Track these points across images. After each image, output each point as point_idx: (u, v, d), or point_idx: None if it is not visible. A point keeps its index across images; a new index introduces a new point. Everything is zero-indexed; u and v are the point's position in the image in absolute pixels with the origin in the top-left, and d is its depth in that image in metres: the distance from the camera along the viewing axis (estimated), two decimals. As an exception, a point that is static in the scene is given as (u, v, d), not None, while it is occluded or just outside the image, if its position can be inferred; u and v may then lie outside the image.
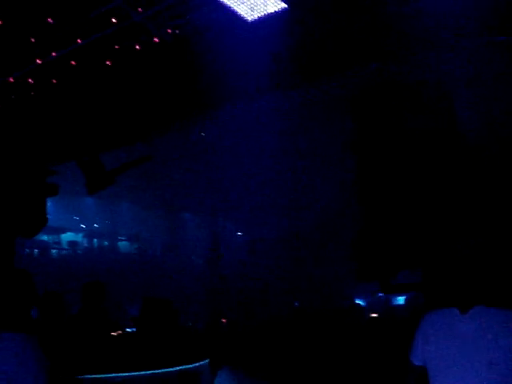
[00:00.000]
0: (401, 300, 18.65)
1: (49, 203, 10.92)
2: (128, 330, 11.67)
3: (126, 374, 5.88)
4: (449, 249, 3.46)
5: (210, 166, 21.44)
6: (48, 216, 10.65)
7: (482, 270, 3.28)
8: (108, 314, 6.84)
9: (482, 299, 3.27)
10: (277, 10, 6.58)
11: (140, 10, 7.10)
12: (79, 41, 7.67)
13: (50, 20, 7.34)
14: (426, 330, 3.47)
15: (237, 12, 6.62)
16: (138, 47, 7.76)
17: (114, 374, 5.80)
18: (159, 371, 6.11)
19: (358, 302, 21.56)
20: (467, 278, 3.29)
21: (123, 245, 32.95)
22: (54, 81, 8.56)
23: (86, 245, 32.01)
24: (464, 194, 7.49)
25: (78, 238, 31.63)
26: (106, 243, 32.92)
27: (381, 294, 18.49)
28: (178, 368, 6.35)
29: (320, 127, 17.87)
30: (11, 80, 8.58)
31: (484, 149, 7.38)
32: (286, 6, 6.51)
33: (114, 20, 7.24)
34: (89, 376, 5.53)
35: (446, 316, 3.38)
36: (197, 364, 6.75)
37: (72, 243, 30.22)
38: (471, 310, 3.26)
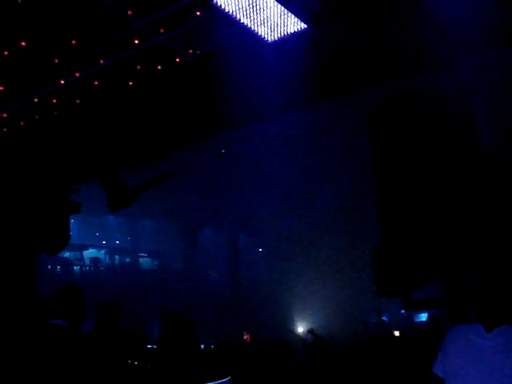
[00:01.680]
0: (423, 317, 18.54)
1: (72, 220, 11.05)
2: (149, 346, 11.70)
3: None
4: (475, 266, 3.48)
5: (230, 181, 21.51)
6: (71, 233, 10.77)
7: (508, 289, 3.30)
8: (128, 336, 6.88)
9: (507, 319, 3.29)
10: (297, 29, 6.63)
11: (162, 30, 7.20)
12: (102, 61, 7.79)
13: (73, 41, 7.48)
14: (449, 343, 3.51)
15: (257, 33, 6.68)
16: (159, 67, 7.85)
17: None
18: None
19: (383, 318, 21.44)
20: (498, 297, 3.30)
21: (144, 261, 33.09)
22: (78, 101, 8.70)
23: (107, 261, 32.19)
24: (487, 207, 7.44)
25: (100, 254, 31.82)
26: (127, 260, 33.08)
27: (403, 311, 18.36)
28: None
29: (337, 141, 17.87)
30: (36, 100, 8.73)
31: (504, 163, 7.35)
32: (305, 26, 6.56)
33: (136, 41, 7.35)
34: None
35: (470, 331, 3.41)
36: (219, 381, 6.75)
37: (94, 260, 30.39)
38: (496, 329, 3.28)
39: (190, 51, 7.54)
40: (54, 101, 8.78)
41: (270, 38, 6.71)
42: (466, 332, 3.47)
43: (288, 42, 6.70)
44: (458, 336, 3.51)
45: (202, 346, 14.98)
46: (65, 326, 4.55)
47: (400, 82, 7.68)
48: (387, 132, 8.66)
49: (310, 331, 11.67)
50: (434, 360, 3.63)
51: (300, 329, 20.13)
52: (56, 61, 7.92)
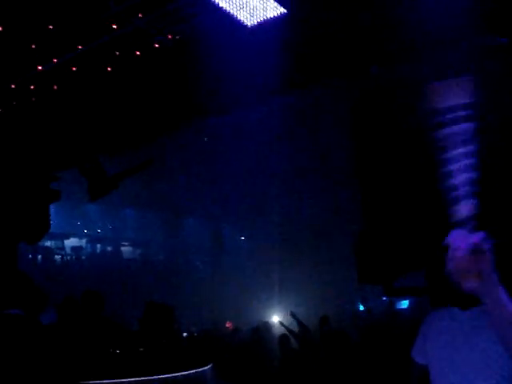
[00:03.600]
0: (404, 304, 18.67)
1: (52, 209, 10.95)
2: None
3: (131, 379, 5.86)
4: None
5: (212, 170, 21.43)
6: (51, 222, 10.68)
7: None
8: (110, 323, 6.85)
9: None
10: (276, 14, 6.58)
11: (140, 15, 7.11)
12: (79, 47, 7.69)
13: (50, 26, 7.36)
14: (427, 328, 3.56)
15: (236, 17, 6.63)
16: (138, 53, 7.77)
17: (118, 380, 5.79)
18: (164, 376, 6.09)
19: (361, 305, 21.58)
20: None
21: (126, 250, 32.93)
22: (55, 87, 8.58)
23: (89, 250, 32.00)
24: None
25: (82, 243, 31.63)
26: (109, 248, 32.91)
27: (384, 298, 18.48)
28: (182, 373, 6.33)
29: (320, 129, 17.86)
30: (13, 86, 8.60)
31: (486, 151, 7.38)
32: (285, 10, 6.51)
33: (114, 26, 7.26)
34: (92, 382, 5.52)
35: (446, 314, 3.46)
36: (201, 369, 6.73)
37: (75, 249, 30.20)
38: (471, 310, 3.31)
39: (169, 36, 7.45)
40: (32, 87, 8.66)
41: (249, 23, 6.66)
42: (443, 316, 3.51)
43: (267, 26, 6.65)
44: (436, 320, 3.55)
45: (185, 334, 14.95)
46: (21, 315, 4.44)
47: (381, 71, 7.67)
48: (369, 117, 8.67)
49: (292, 315, 11.67)
50: (413, 346, 3.66)
51: (276, 318, 20.16)
52: (33, 46, 7.79)
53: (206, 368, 6.95)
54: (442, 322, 3.46)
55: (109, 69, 8.04)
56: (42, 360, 4.35)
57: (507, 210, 6.93)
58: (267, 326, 13.31)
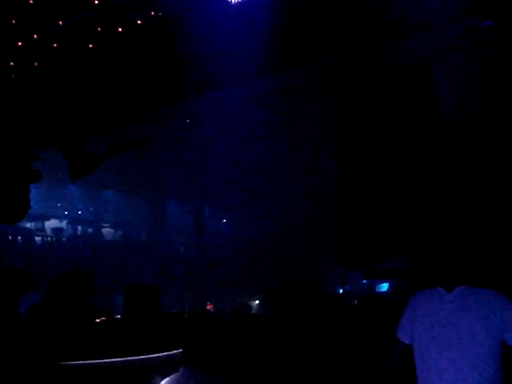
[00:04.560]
0: (384, 287, 18.81)
1: (32, 190, 10.81)
2: (116, 317, 11.61)
3: (110, 360, 5.84)
4: (431, 231, 3.54)
5: (195, 153, 21.34)
6: (31, 203, 10.55)
7: (463, 250, 3.37)
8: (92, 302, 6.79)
9: (466, 279, 3.36)
10: (261, -8, 6.50)
11: (122, -9, 7.01)
12: (61, 23, 7.55)
13: (30, 1, 7.22)
14: (412, 308, 3.59)
15: (221, -6, 6.55)
16: (120, 29, 7.65)
17: (97, 360, 5.76)
18: (144, 357, 6.08)
19: (340, 289, 21.70)
20: (451, 258, 3.38)
21: (107, 231, 32.78)
22: (36, 64, 8.43)
23: (70, 232, 31.82)
24: (444, 177, 7.51)
25: (63, 225, 31.42)
26: (90, 230, 32.74)
27: (364, 281, 18.59)
28: (161, 354, 6.32)
29: (305, 114, 17.83)
30: (-8, 63, 8.46)
31: (464, 132, 7.42)
32: (270, -13, 6.45)
33: (96, 1, 7.13)
34: (73, 362, 5.49)
35: (431, 295, 3.50)
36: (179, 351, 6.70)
37: (56, 230, 29.99)
38: (455, 290, 3.35)
39: (152, 13, 7.35)
40: (12, 63, 8.50)
41: (233, 0, 6.58)
42: (427, 296, 3.55)
43: (252, 3, 6.58)
44: (421, 300, 3.59)
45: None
46: None
47: (366, 51, 7.64)
48: (351, 103, 8.66)
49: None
50: (398, 325, 3.69)
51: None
52: (13, 21, 7.64)
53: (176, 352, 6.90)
54: (428, 302, 3.50)
55: (90, 45, 7.92)
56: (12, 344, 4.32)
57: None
58: (245, 307, 13.32)
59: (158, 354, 6.22)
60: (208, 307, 17.78)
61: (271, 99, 14.83)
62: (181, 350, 6.59)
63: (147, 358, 6.14)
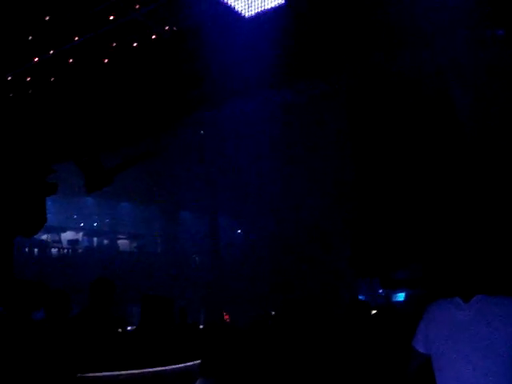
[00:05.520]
0: (401, 296, 18.71)
1: (49, 202, 10.90)
2: (129, 328, 11.65)
3: (129, 371, 5.85)
4: (449, 241, 3.54)
5: (209, 164, 21.43)
6: (48, 215, 10.63)
7: (481, 259, 3.38)
8: (113, 313, 6.80)
9: (483, 289, 3.36)
10: (274, 5, 6.55)
11: (137, 6, 7.07)
12: (76, 38, 7.64)
13: (47, 17, 7.31)
14: (429, 318, 3.58)
15: (234, 8, 6.59)
16: (135, 44, 7.72)
17: (116, 372, 5.78)
18: (162, 369, 6.09)
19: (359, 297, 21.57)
20: (468, 267, 3.38)
21: (123, 243, 32.91)
22: (52, 79, 8.53)
23: (85, 243, 31.97)
24: (462, 188, 7.48)
25: (78, 236, 31.60)
26: (105, 242, 32.87)
27: (381, 290, 18.51)
28: (180, 366, 6.32)
29: (316, 124, 17.87)
30: (9, 78, 8.56)
31: (481, 142, 7.39)
32: (282, 1, 6.48)
33: (111, 17, 7.22)
34: (91, 374, 5.51)
35: (448, 305, 3.49)
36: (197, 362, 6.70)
37: (72, 242, 30.14)
38: (472, 299, 3.35)
39: (166, 28, 7.41)
40: (28, 79, 8.61)
41: (247, 14, 6.62)
42: (445, 306, 3.54)
43: (265, 17, 6.62)
44: (438, 310, 3.58)
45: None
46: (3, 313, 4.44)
47: (381, 60, 7.65)
48: (366, 113, 8.65)
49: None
50: (415, 336, 3.68)
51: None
52: (30, 38, 7.74)
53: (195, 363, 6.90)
54: (445, 312, 3.49)
55: (105, 60, 8.00)
56: (24, 357, 4.35)
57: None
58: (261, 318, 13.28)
59: (175, 366, 6.23)
60: (225, 317, 17.78)
61: (286, 111, 14.88)
62: (198, 362, 6.61)
63: (165, 369, 6.15)
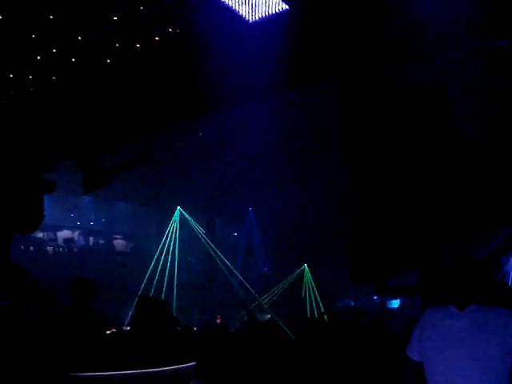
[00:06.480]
0: (395, 304, 18.78)
1: (45, 200, 10.88)
2: (124, 328, 11.66)
3: (121, 372, 5.85)
4: (444, 250, 3.58)
5: (206, 166, 21.40)
6: (44, 213, 10.61)
7: (477, 268, 3.41)
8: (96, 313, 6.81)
9: (477, 298, 3.39)
10: (278, 10, 6.57)
11: (141, 8, 7.09)
12: (79, 38, 7.66)
13: (50, 16, 7.33)
14: (423, 326, 3.60)
15: (238, 12, 6.62)
16: (138, 45, 7.74)
17: (110, 372, 5.78)
18: (153, 370, 6.09)
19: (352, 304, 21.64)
20: (464, 277, 3.41)
21: (119, 243, 32.85)
22: (54, 77, 8.54)
23: (81, 242, 31.87)
24: (459, 195, 7.49)
25: (74, 235, 31.50)
26: (101, 241, 32.79)
27: (375, 297, 18.57)
28: (171, 367, 6.33)
29: (317, 128, 17.87)
30: (11, 76, 8.56)
31: (480, 149, 7.42)
32: (287, 7, 6.51)
33: (114, 18, 7.24)
34: (83, 374, 5.51)
35: (442, 313, 3.51)
36: (189, 364, 6.71)
37: (68, 240, 30.04)
38: (467, 308, 3.37)
39: (170, 30, 7.43)
40: (30, 77, 8.62)
41: (250, 18, 6.65)
42: (438, 314, 3.56)
43: (269, 22, 6.64)
44: (432, 318, 3.60)
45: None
46: (7, 305, 4.45)
47: (380, 72, 7.69)
48: (364, 118, 8.65)
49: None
50: (408, 344, 3.69)
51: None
52: (33, 36, 7.76)
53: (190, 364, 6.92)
54: (439, 320, 3.51)
55: (108, 61, 8.02)
56: (27, 349, 4.36)
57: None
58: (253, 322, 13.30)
59: (170, 367, 6.24)
60: (218, 320, 17.78)
61: (285, 114, 14.91)
62: (193, 364, 6.63)
63: (159, 370, 6.16)
